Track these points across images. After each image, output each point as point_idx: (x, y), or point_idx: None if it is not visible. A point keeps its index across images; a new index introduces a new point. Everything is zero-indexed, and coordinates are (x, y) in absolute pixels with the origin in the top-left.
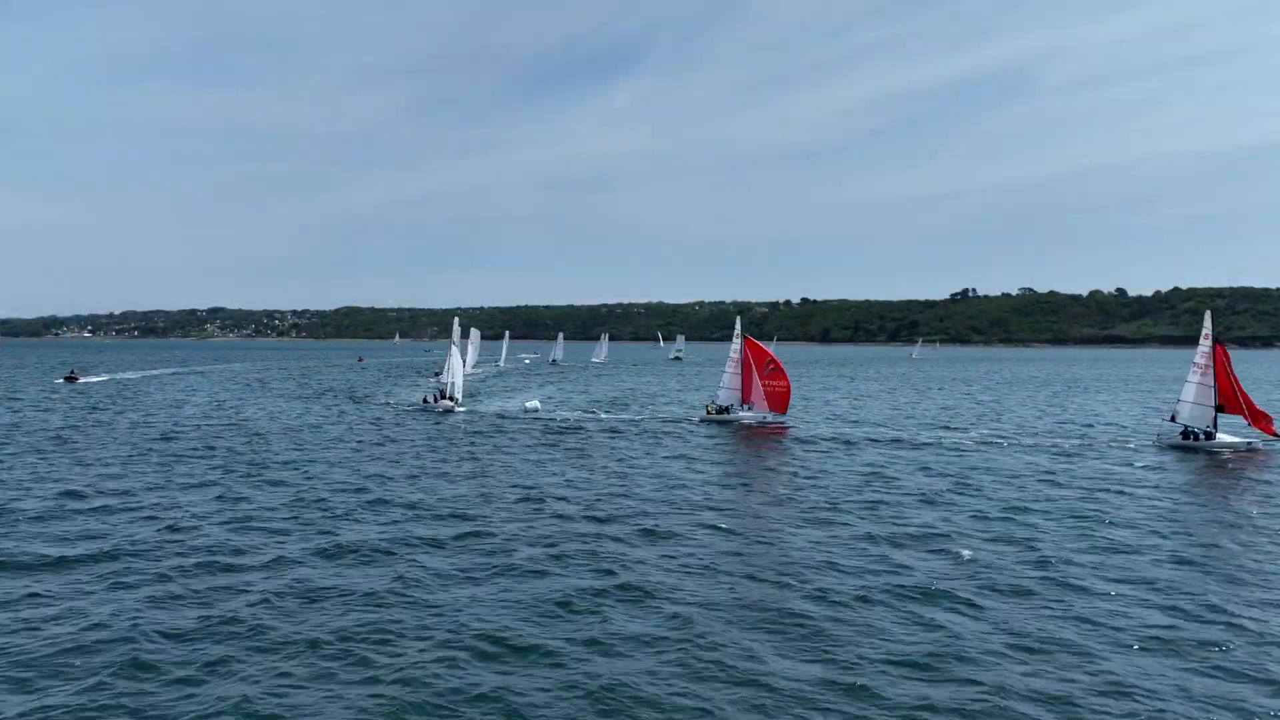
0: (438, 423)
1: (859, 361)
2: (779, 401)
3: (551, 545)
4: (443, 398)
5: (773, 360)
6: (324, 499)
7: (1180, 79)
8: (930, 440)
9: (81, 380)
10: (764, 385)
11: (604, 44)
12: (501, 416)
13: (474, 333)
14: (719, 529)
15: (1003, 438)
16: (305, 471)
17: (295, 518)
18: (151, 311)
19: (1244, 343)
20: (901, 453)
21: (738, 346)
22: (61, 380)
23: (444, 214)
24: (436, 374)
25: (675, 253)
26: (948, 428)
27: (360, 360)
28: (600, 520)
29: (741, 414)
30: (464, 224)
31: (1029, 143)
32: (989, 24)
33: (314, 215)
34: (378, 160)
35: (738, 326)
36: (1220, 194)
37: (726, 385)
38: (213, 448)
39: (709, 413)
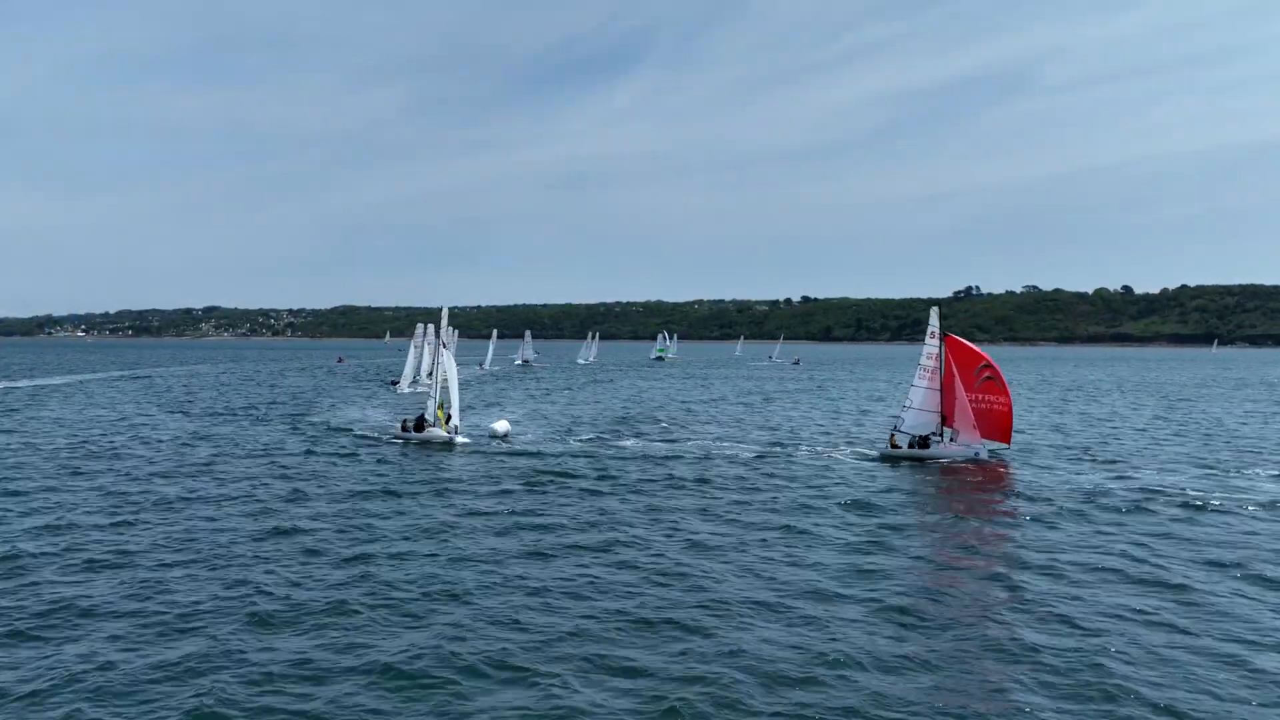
0: (377, 463)
1: (873, 361)
2: (997, 425)
3: None
4: (420, 423)
5: (988, 364)
6: None
7: (1181, 78)
8: (1220, 490)
9: None
10: (974, 402)
11: (604, 43)
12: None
13: (428, 328)
14: None
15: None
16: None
17: None
18: (147, 310)
19: (1255, 341)
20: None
21: (934, 349)
22: None
23: (443, 213)
24: (393, 383)
25: (674, 252)
26: (1215, 468)
27: (339, 360)
28: None
29: (948, 448)
30: (463, 223)
31: (1029, 142)
32: (989, 23)
33: (312, 214)
34: (376, 160)
35: (933, 320)
36: (1223, 193)
37: (917, 405)
38: None
39: (893, 445)
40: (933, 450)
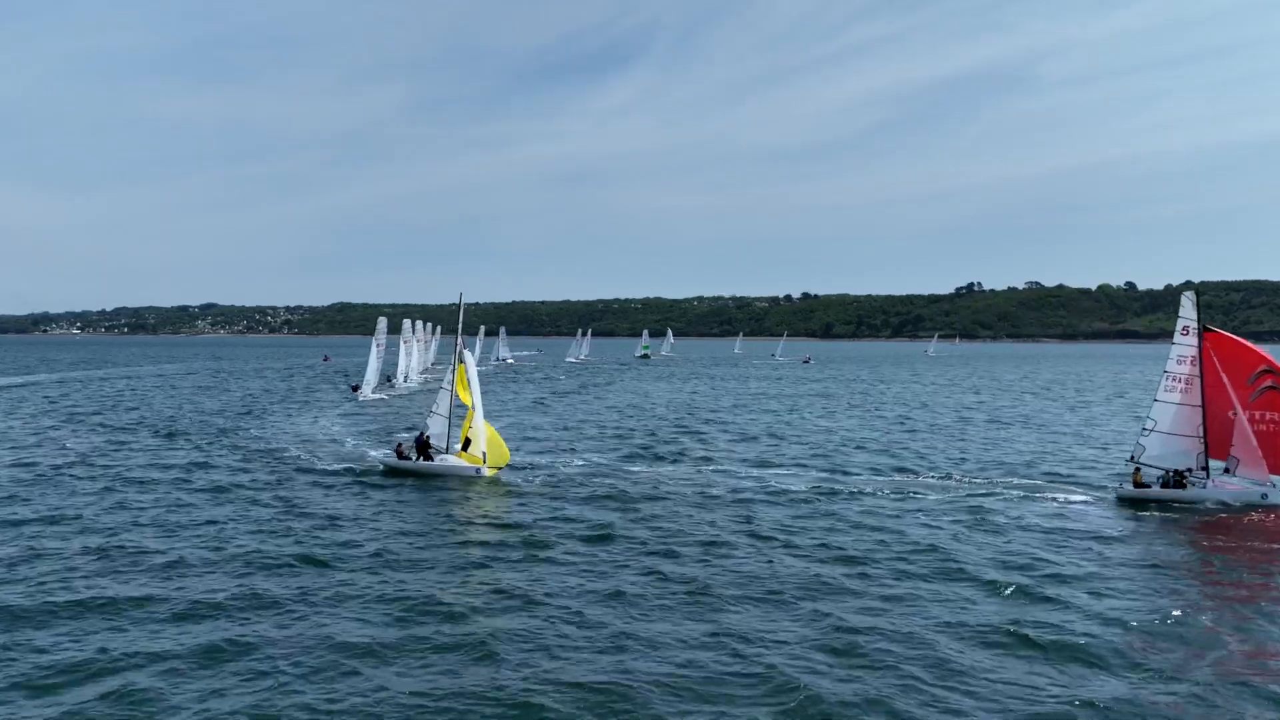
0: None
1: (883, 359)
2: None
3: None
4: (423, 448)
5: (1270, 368)
6: None
7: (1181, 74)
8: None
9: None
10: (1254, 421)
11: (604, 40)
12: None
13: (409, 324)
14: None
15: None
16: None
17: None
18: (143, 308)
19: (1261, 337)
20: None
21: (1189, 349)
22: None
23: (442, 210)
24: (354, 388)
25: (674, 249)
26: None
27: (325, 359)
28: None
29: (1220, 486)
30: (461, 221)
31: (1028, 139)
32: (989, 20)
33: (311, 212)
34: (376, 157)
35: (1186, 310)
36: (1225, 189)
37: (1167, 427)
38: None
39: (1137, 484)
40: (1197, 492)
